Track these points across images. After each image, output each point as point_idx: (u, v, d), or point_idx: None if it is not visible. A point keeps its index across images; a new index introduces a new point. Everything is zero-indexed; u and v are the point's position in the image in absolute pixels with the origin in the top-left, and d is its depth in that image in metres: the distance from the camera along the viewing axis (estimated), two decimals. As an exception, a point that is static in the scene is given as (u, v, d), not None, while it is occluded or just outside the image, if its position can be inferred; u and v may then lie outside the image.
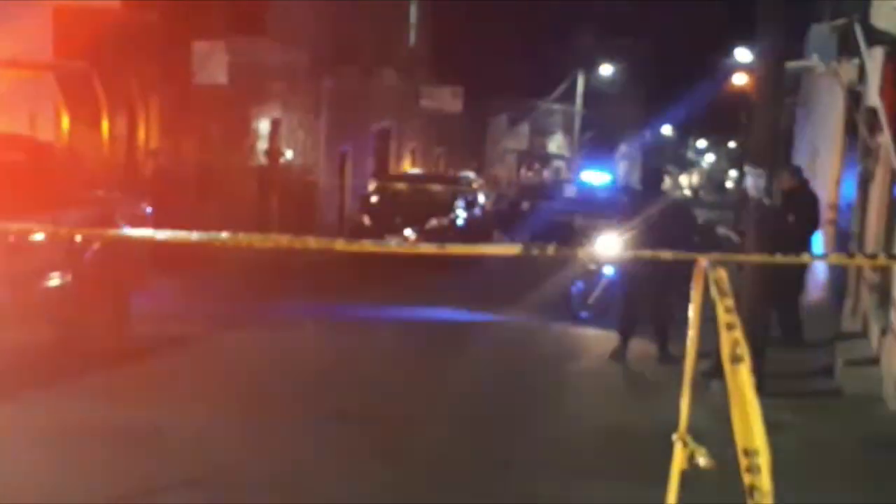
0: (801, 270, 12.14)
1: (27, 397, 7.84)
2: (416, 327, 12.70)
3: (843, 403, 9.40)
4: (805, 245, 11.27)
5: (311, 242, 1.94)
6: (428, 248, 1.83)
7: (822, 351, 11.24)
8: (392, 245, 2.32)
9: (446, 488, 6.64)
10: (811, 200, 11.82)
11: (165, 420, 7.62)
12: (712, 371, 7.00)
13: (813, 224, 11.70)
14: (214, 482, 6.43)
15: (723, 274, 1.71)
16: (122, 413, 7.75)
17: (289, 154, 22.97)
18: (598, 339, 12.04)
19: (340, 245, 1.84)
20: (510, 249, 1.92)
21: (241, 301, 13.18)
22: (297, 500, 6.24)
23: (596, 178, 36.27)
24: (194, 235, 1.79)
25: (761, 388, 7.92)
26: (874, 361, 9.93)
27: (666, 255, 2.28)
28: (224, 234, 1.80)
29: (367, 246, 1.78)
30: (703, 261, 1.70)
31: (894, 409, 8.71)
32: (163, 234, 1.91)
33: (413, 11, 31.33)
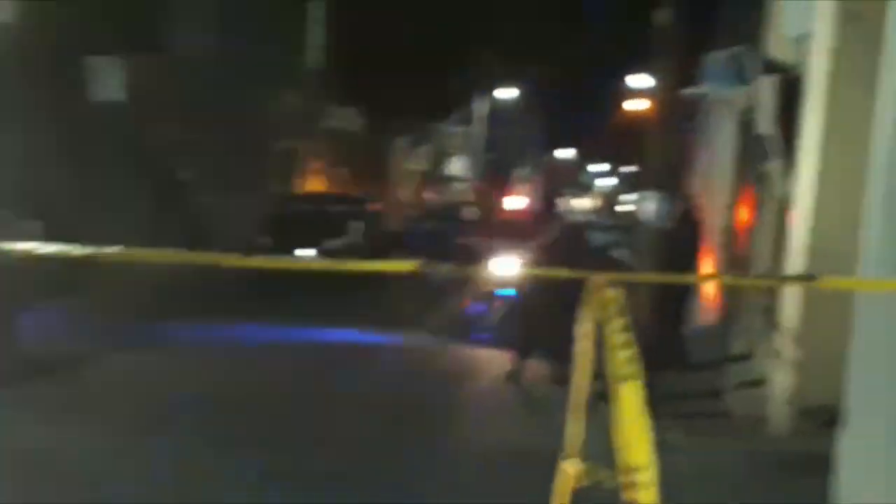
0: (688, 292, 12.41)
1: None
2: (310, 349, 12.61)
3: (732, 425, 9.53)
4: (693, 268, 11.56)
5: (202, 258, 1.91)
6: (322, 264, 1.83)
7: (712, 373, 11.42)
8: (285, 260, 2.32)
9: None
10: (698, 225, 12.22)
11: (49, 443, 7.45)
12: (603, 393, 7.10)
13: (697, 248, 12.10)
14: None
15: (615, 294, 1.74)
16: (4, 436, 7.54)
17: (187, 175, 22.69)
18: (494, 361, 12.10)
19: (229, 261, 1.81)
20: (405, 266, 1.92)
21: (132, 321, 12.91)
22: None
23: (514, 204, 36.47)
24: (79, 250, 1.74)
25: (654, 409, 8.01)
26: (762, 383, 10.07)
27: (561, 273, 2.32)
28: (114, 249, 1.76)
29: (259, 261, 1.76)
30: (597, 280, 1.73)
31: (782, 430, 8.82)
32: (47, 249, 1.86)
33: (314, 31, 31.26)
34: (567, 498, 1.92)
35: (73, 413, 8.46)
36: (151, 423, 8.33)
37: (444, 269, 2.26)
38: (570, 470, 1.99)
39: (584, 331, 1.83)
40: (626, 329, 1.81)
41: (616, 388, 1.84)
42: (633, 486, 1.76)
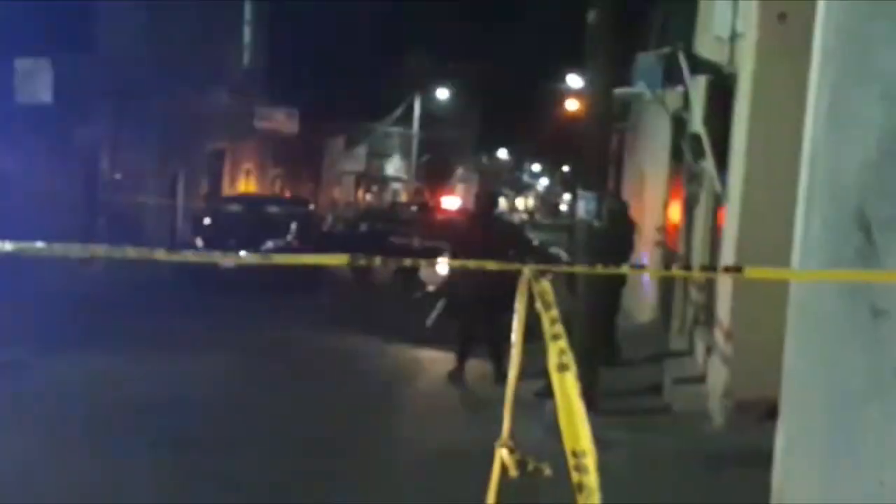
0: (619, 289, 12.57)
1: None
2: (250, 350, 12.52)
3: (671, 420, 9.59)
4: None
5: (131, 252, 1.92)
6: (253, 259, 1.84)
7: (651, 369, 11.55)
8: (216, 256, 2.32)
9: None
10: (630, 224, 12.52)
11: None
12: (546, 391, 7.17)
13: (631, 245, 12.40)
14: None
15: (546, 286, 1.78)
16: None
17: (118, 175, 22.45)
18: (435, 360, 12.14)
19: (161, 255, 1.82)
20: (337, 259, 1.95)
21: (68, 323, 12.74)
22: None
23: (449, 203, 36.57)
24: (7, 246, 1.74)
25: (593, 406, 8.10)
26: (700, 379, 10.14)
27: (490, 265, 2.35)
28: (39, 244, 1.76)
29: (191, 256, 1.78)
30: (526, 271, 1.78)
31: (720, 424, 8.93)
32: None
33: (247, 31, 31.04)
34: (497, 483, 1.96)
35: (15, 416, 8.38)
36: (90, 427, 8.27)
37: (375, 262, 2.29)
38: (503, 457, 2.03)
39: (516, 323, 1.87)
40: (557, 320, 1.85)
41: (553, 379, 1.89)
42: (578, 469, 1.81)
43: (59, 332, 12.17)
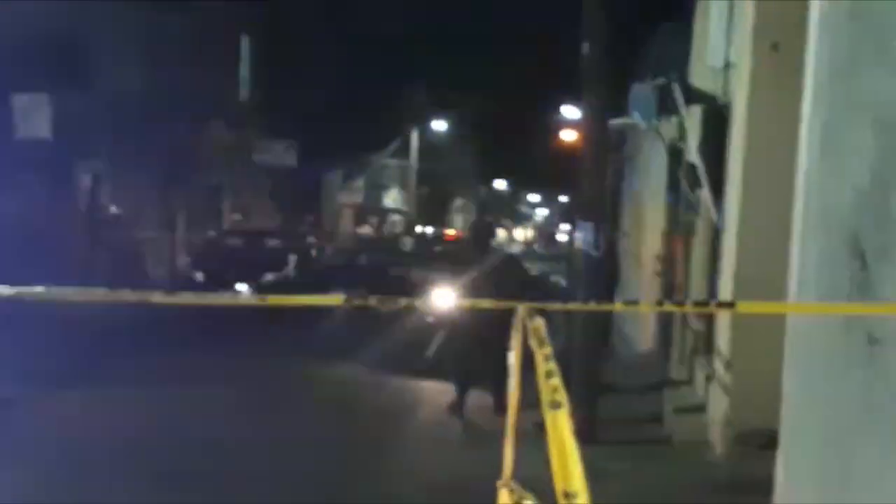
0: (608, 321, 12.71)
1: None
2: (251, 382, 12.49)
3: (671, 450, 9.57)
4: (611, 295, 11.88)
5: (129, 296, 1.94)
6: (248, 301, 1.86)
7: (651, 398, 11.53)
8: (212, 297, 2.33)
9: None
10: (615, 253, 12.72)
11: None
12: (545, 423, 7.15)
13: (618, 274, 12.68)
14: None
15: (540, 324, 1.79)
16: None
17: (114, 208, 22.50)
18: (435, 392, 12.11)
19: (158, 297, 1.84)
20: (333, 300, 1.97)
21: (64, 359, 12.68)
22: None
23: (449, 235, 36.67)
24: (6, 290, 1.75)
25: (593, 436, 8.10)
26: (700, 408, 10.12)
27: (485, 304, 2.37)
28: (39, 289, 1.77)
29: (188, 298, 1.80)
30: (520, 309, 1.79)
31: (720, 454, 8.89)
32: None
33: (243, 66, 31.17)
34: None
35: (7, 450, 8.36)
36: (85, 460, 8.25)
37: (371, 301, 2.30)
38: (504, 495, 2.03)
39: (513, 359, 1.88)
40: (550, 358, 1.86)
41: (546, 416, 1.90)
42: None
43: (53, 366, 12.11)
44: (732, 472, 8.24)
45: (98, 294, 1.97)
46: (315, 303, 1.96)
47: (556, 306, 3.12)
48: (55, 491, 7.51)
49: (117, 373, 12.32)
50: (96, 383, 11.62)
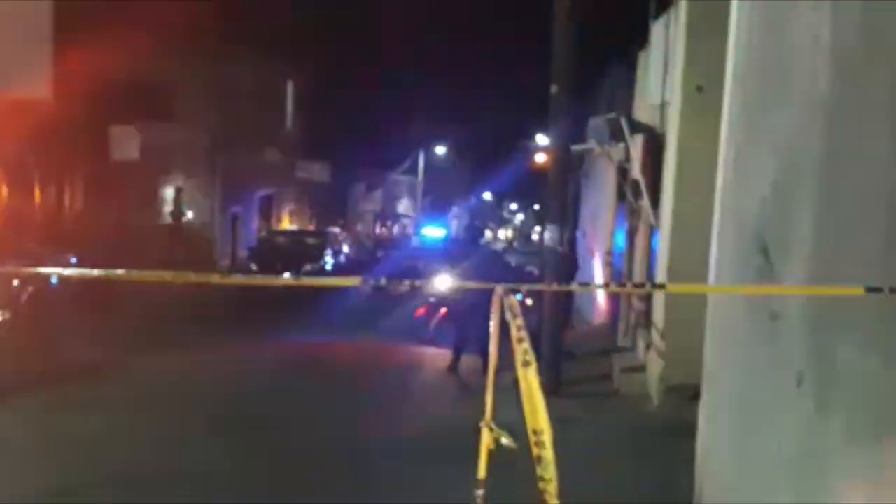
0: (570, 301, 12.78)
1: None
2: (296, 349, 12.51)
3: (619, 401, 9.59)
4: (571, 280, 12.00)
5: (191, 277, 1.93)
6: (286, 281, 1.87)
7: (602, 361, 11.52)
8: (257, 278, 2.31)
9: (317, 466, 6.65)
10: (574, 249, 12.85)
11: (87, 427, 7.37)
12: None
13: (577, 265, 12.84)
14: (134, 478, 6.19)
15: (514, 301, 1.80)
16: (53, 420, 7.52)
17: (190, 215, 22.47)
18: (437, 356, 12.11)
19: (216, 279, 1.84)
20: (351, 281, 1.97)
21: (148, 335, 12.67)
22: (205, 487, 6.06)
23: (434, 232, 36.67)
24: (95, 272, 1.75)
25: (558, 391, 8.06)
26: (641, 369, 10.15)
27: (470, 285, 2.38)
28: (120, 271, 1.77)
29: (238, 279, 1.80)
30: (499, 289, 1.80)
31: (657, 404, 8.92)
32: (69, 271, 1.86)
33: (289, 102, 31.16)
34: (485, 454, 1.96)
35: (109, 403, 8.37)
36: (174, 409, 8.27)
37: (382, 283, 2.31)
38: (485, 433, 2.04)
39: (492, 329, 1.89)
40: (522, 327, 1.87)
41: (518, 372, 1.90)
42: (537, 444, 1.82)
43: (139, 340, 12.11)
44: (665, 418, 8.23)
45: (167, 275, 1.96)
46: (339, 283, 1.95)
47: (527, 287, 3.12)
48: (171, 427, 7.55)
49: (196, 340, 12.31)
50: (177, 350, 11.62)
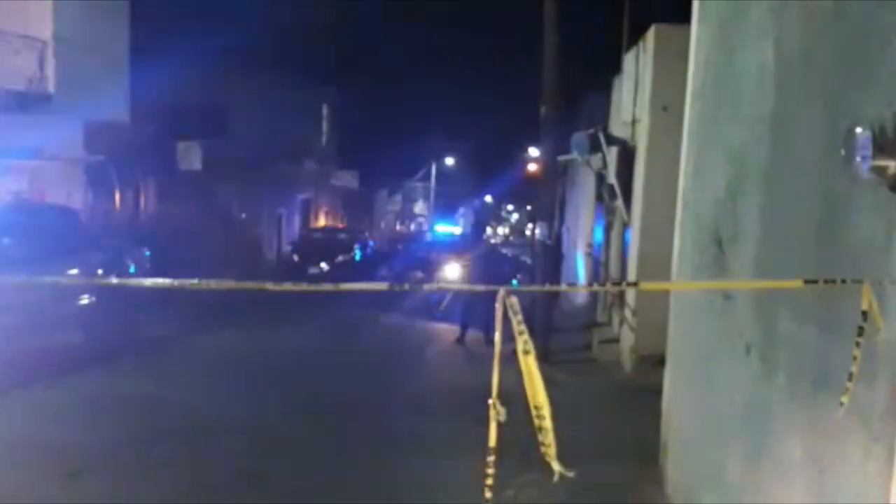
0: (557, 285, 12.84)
1: (69, 377, 7.51)
2: (333, 323, 12.57)
3: (597, 367, 9.65)
4: (558, 268, 12.06)
5: (249, 285, 1.95)
6: (327, 287, 1.87)
7: (584, 334, 11.55)
8: (304, 285, 2.27)
9: (344, 420, 6.67)
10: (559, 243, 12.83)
11: (162, 389, 7.45)
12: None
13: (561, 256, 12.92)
14: (202, 432, 6.24)
15: (514, 300, 1.81)
16: (133, 383, 7.56)
17: (243, 215, 22.51)
18: (446, 331, 12.13)
19: (270, 286, 1.86)
20: (379, 286, 1.97)
21: (216, 315, 12.70)
22: (263, 437, 6.11)
23: (446, 229, 36.67)
24: (170, 282, 1.77)
25: (547, 359, 8.04)
26: (616, 340, 10.19)
27: (479, 288, 2.37)
28: (193, 280, 1.78)
29: (287, 286, 1.80)
30: (501, 291, 1.80)
31: (628, 370, 8.97)
32: (148, 282, 1.87)
33: (325, 122, 31.20)
34: (495, 425, 1.97)
35: (183, 371, 8.42)
36: (236, 377, 8.31)
37: (406, 286, 2.30)
38: (492, 411, 2.04)
39: (497, 320, 1.88)
40: (521, 322, 1.87)
41: (520, 359, 1.91)
42: (538, 417, 1.83)
43: (204, 323, 12.14)
44: (636, 382, 8.26)
45: (229, 283, 1.97)
46: (368, 288, 1.95)
47: (524, 289, 3.11)
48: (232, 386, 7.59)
49: (251, 320, 12.34)
50: (233, 327, 11.65)
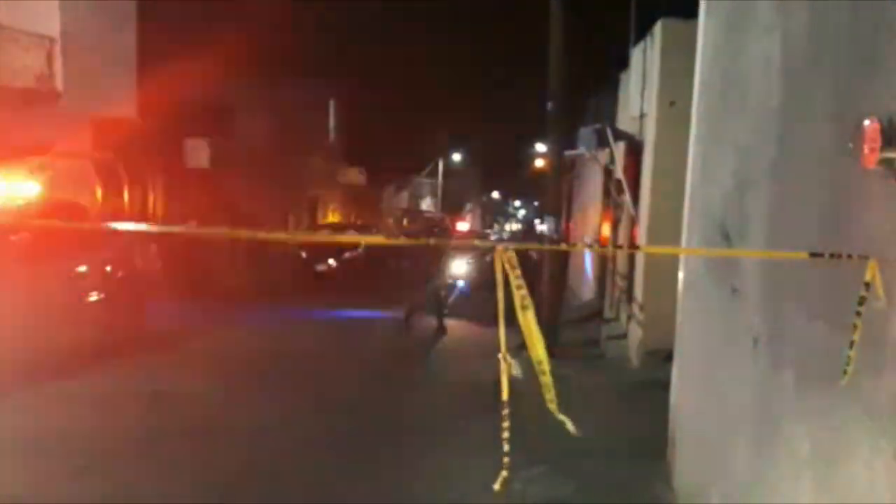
0: (564, 280, 12.85)
1: (78, 373, 7.56)
2: (339, 322, 12.58)
3: (605, 363, 9.63)
4: (564, 261, 12.10)
5: (262, 235, 1.96)
6: (350, 238, 1.88)
7: (592, 329, 11.52)
8: (324, 234, 2.23)
9: (357, 410, 6.72)
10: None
11: (171, 385, 7.47)
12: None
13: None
14: (212, 427, 6.26)
15: (512, 255, 1.81)
16: (142, 379, 7.63)
17: (251, 212, 22.54)
18: (453, 326, 12.12)
19: (284, 236, 1.87)
20: (379, 240, 1.99)
21: (224, 312, 12.72)
22: (275, 435, 6.13)
23: (460, 226, 36.67)
24: (175, 229, 1.77)
25: (554, 353, 8.05)
26: (624, 336, 10.18)
27: (476, 243, 2.38)
28: (193, 225, 1.78)
29: (317, 236, 1.78)
30: (499, 248, 1.81)
31: (636, 365, 8.96)
32: (155, 229, 1.88)
33: (331, 118, 31.22)
34: (506, 377, 1.99)
35: (188, 365, 8.44)
36: (247, 369, 8.34)
37: (412, 243, 2.30)
38: (503, 364, 2.06)
39: (498, 279, 1.89)
40: (519, 276, 1.88)
41: (518, 315, 1.91)
42: (541, 372, 1.86)
43: (215, 316, 12.16)
44: (644, 376, 8.25)
45: (241, 233, 1.97)
46: (358, 240, 1.94)
47: (525, 246, 3.09)
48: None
49: (253, 318, 12.36)
50: (241, 323, 11.67)
